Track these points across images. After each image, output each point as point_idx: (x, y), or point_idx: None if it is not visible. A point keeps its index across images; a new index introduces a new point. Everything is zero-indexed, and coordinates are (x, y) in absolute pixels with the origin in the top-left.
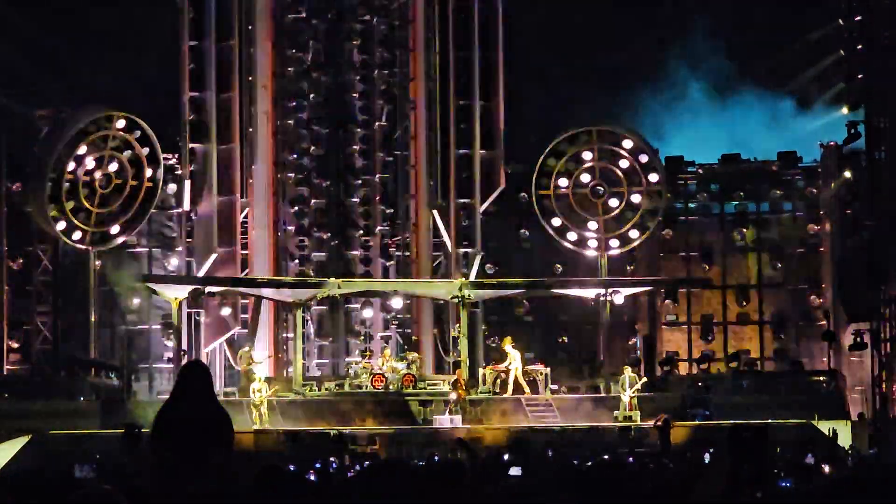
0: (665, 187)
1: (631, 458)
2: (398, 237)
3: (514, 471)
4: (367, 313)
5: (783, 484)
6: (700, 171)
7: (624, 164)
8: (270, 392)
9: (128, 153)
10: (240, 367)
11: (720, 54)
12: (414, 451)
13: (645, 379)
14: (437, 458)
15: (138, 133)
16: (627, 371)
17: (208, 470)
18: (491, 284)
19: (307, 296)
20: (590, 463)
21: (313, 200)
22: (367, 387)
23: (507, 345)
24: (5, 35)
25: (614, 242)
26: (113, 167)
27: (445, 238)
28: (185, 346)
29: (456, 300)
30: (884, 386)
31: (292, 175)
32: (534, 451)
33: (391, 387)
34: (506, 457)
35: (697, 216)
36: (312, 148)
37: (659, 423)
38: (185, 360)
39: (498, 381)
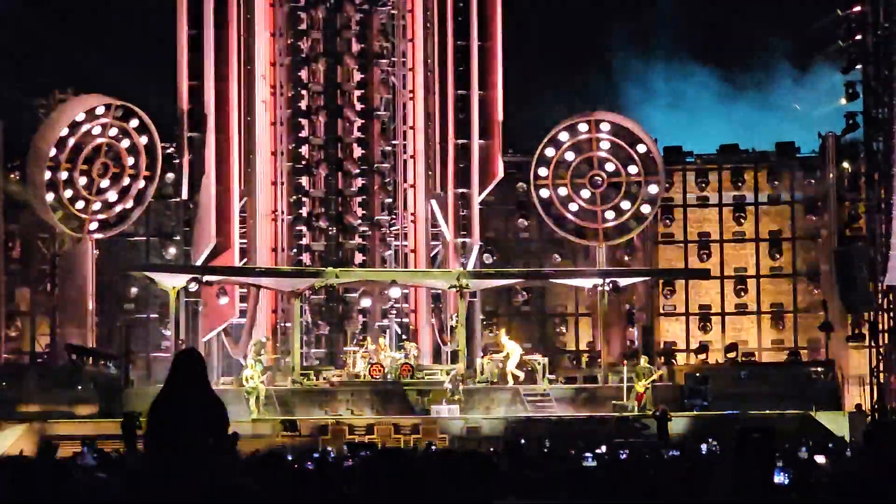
0: (663, 177)
1: (629, 450)
2: (396, 227)
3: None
4: (365, 303)
5: (780, 475)
6: (698, 161)
7: (622, 153)
8: (261, 380)
9: (126, 142)
10: (250, 355)
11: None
12: (412, 441)
13: (661, 371)
14: (433, 447)
15: (136, 122)
16: (644, 360)
17: (204, 458)
18: (489, 274)
19: (305, 285)
20: (589, 455)
21: (311, 190)
22: (364, 376)
23: (503, 337)
24: (4, 24)
25: (612, 232)
26: (111, 156)
27: (443, 228)
28: (182, 335)
29: (454, 290)
30: (882, 377)
31: (290, 164)
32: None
33: (389, 376)
34: None
35: (695, 206)
36: (311, 137)
37: (657, 414)
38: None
39: (496, 371)
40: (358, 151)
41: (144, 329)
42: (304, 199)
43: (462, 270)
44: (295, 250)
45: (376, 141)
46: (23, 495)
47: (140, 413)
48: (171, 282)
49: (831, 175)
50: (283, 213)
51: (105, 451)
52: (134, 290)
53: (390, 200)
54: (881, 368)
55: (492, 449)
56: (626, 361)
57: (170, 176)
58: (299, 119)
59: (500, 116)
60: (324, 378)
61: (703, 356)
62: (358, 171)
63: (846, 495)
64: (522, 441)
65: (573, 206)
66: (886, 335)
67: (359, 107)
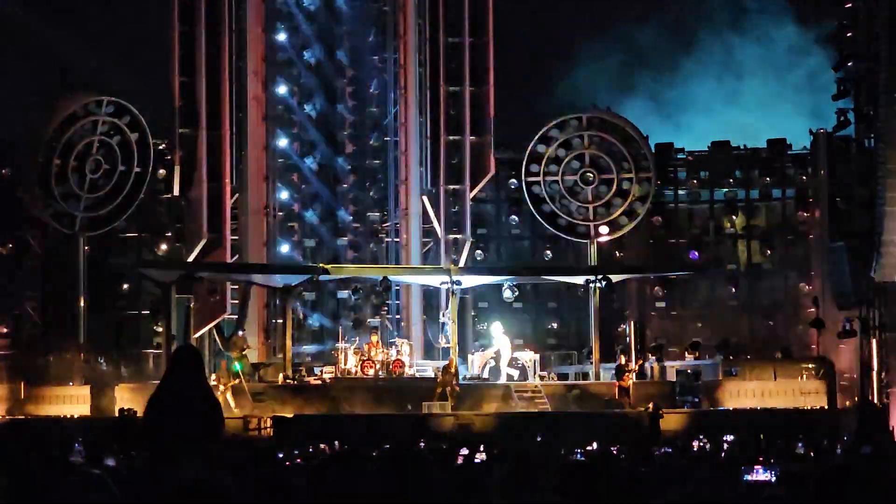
0: (655, 174)
1: (620, 446)
2: (388, 223)
3: (479, 457)
4: (357, 299)
5: (766, 472)
6: (690, 157)
7: (614, 150)
8: (233, 382)
9: (117, 138)
10: (232, 353)
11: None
12: (404, 438)
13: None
14: (422, 444)
15: (128, 118)
16: (622, 359)
17: (199, 455)
18: (480, 270)
19: (297, 281)
20: (579, 452)
21: (303, 186)
22: (356, 372)
23: (496, 331)
24: None
25: (604, 229)
26: (102, 152)
27: (435, 224)
28: (174, 331)
29: (445, 286)
30: (872, 373)
31: (282, 160)
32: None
33: (380, 373)
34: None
35: (687, 203)
36: (301, 133)
37: (649, 411)
38: (174, 346)
39: (487, 367)
40: (349, 147)
41: (136, 325)
42: (295, 194)
43: (454, 267)
44: (286, 246)
45: (368, 137)
46: (16, 494)
47: (133, 410)
48: (163, 278)
49: (822, 171)
50: (274, 209)
51: (97, 448)
52: (125, 286)
53: (382, 197)
54: (872, 364)
55: (482, 447)
56: (622, 357)
57: (162, 172)
58: (291, 115)
59: (491, 113)
60: (315, 374)
61: (694, 353)
62: (349, 167)
63: (835, 491)
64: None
65: (565, 203)
66: (877, 331)
67: (350, 103)
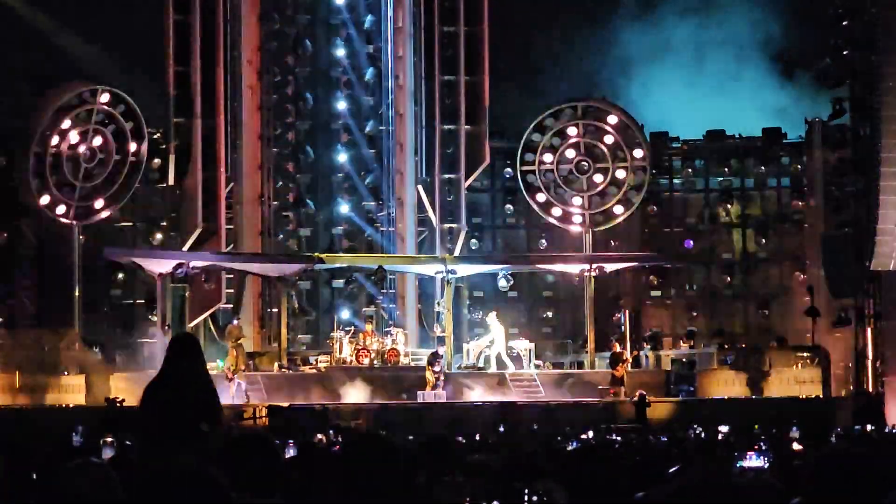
0: (650, 163)
1: (615, 435)
2: (383, 212)
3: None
4: (352, 288)
5: (759, 459)
6: (685, 146)
7: (609, 139)
8: (240, 365)
9: (112, 127)
10: (227, 342)
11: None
12: (398, 426)
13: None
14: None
15: (123, 107)
16: (617, 347)
17: (196, 443)
18: (475, 259)
19: (292, 270)
20: (575, 441)
21: (298, 175)
22: (351, 361)
23: (493, 318)
24: None
25: (598, 218)
26: (97, 142)
27: (430, 213)
28: (168, 321)
29: (440, 275)
30: (867, 362)
31: (277, 150)
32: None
33: (375, 361)
34: None
35: (682, 192)
36: (297, 122)
37: (635, 399)
38: (168, 336)
39: (482, 355)
40: (344, 136)
41: (131, 314)
42: (290, 184)
43: (448, 256)
44: (281, 235)
45: (363, 126)
46: (17, 482)
47: (121, 399)
48: (158, 267)
49: (818, 160)
50: (269, 198)
51: (93, 437)
52: (120, 275)
53: (377, 186)
54: (867, 353)
55: (477, 437)
56: (616, 346)
57: (156, 161)
58: (286, 104)
59: (487, 102)
60: (310, 363)
61: (689, 342)
62: (344, 156)
63: (828, 479)
64: (510, 425)
65: (560, 192)
66: (872, 320)
67: (345, 92)
